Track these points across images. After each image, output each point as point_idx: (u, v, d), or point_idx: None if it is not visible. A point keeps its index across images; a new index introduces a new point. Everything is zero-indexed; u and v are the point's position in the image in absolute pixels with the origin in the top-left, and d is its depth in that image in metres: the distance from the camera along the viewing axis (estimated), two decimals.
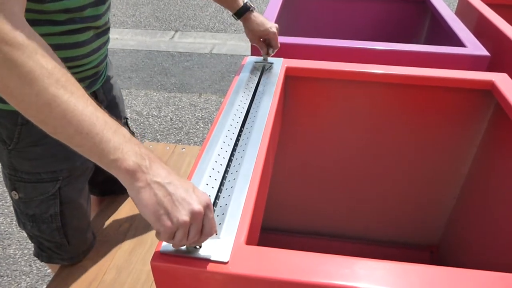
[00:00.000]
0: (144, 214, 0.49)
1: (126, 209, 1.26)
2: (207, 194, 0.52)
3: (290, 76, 1.07)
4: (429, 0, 1.57)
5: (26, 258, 1.73)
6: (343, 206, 1.33)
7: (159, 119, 2.69)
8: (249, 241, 0.59)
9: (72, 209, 0.99)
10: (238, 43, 3.85)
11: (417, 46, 1.18)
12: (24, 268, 1.69)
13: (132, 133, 1.14)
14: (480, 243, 1.09)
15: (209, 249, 0.55)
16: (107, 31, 0.92)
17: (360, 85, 1.07)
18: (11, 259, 1.72)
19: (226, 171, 0.71)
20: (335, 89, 1.09)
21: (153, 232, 1.18)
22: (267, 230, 1.41)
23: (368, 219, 1.35)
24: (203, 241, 0.53)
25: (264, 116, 0.86)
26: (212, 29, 4.16)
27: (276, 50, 1.09)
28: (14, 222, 1.88)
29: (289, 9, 1.67)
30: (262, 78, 1.04)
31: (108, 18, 0.91)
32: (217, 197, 0.66)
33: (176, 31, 4.13)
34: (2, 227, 1.87)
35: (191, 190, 0.51)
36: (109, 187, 1.27)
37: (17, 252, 1.76)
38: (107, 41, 0.95)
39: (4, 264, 1.70)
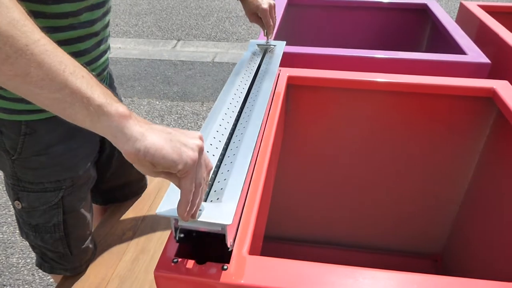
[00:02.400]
0: (163, 157, 0.44)
1: (129, 218, 1.26)
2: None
3: (292, 85, 1.07)
4: (429, 9, 1.58)
5: (29, 267, 1.73)
6: (346, 215, 1.33)
7: None
8: (252, 251, 0.59)
9: (74, 218, 0.99)
10: (240, 52, 3.87)
11: (418, 54, 1.18)
12: (27, 277, 1.69)
13: None
14: (484, 251, 1.09)
15: (210, 213, 0.53)
16: (106, 39, 0.93)
17: (361, 94, 1.07)
18: (14, 268, 1.72)
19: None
20: (337, 97, 1.09)
21: (156, 241, 1.18)
22: (268, 239, 1.41)
23: (371, 227, 1.34)
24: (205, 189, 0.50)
25: (265, 101, 0.84)
26: (214, 38, 4.19)
27: (271, 30, 1.06)
28: (17, 231, 1.88)
29: (290, 18, 1.68)
30: (264, 60, 1.03)
31: (106, 25, 0.91)
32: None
33: (179, 40, 4.15)
34: (6, 236, 1.87)
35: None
36: (112, 195, 1.28)
37: (20, 261, 1.76)
38: (108, 50, 0.95)
39: (7, 273, 1.70)
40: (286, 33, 1.63)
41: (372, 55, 1.18)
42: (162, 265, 0.55)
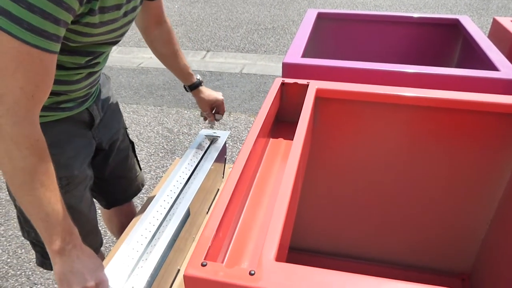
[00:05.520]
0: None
1: None
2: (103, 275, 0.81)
3: (321, 98, 1.09)
4: (461, 24, 1.56)
5: None
6: (372, 229, 1.32)
7: (189, 137, 2.75)
8: (278, 258, 0.61)
9: (71, 214, 1.05)
10: (267, 64, 3.91)
11: (449, 70, 1.18)
12: None
13: (132, 142, 1.29)
14: None
15: None
16: (101, 70, 1.01)
17: (391, 108, 1.07)
18: None
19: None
20: (366, 111, 1.10)
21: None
22: (291, 249, 1.41)
23: (398, 243, 1.33)
24: None
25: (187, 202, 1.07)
26: (242, 49, 4.25)
27: (217, 119, 1.35)
28: None
29: (319, 32, 1.70)
30: (207, 151, 1.29)
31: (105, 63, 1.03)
32: None
33: (208, 51, 4.24)
34: None
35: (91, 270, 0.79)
36: (113, 197, 1.33)
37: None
38: (100, 75, 1.04)
39: (38, 272, 1.76)
40: (315, 47, 1.65)
41: (403, 70, 1.18)
42: (192, 267, 0.57)
